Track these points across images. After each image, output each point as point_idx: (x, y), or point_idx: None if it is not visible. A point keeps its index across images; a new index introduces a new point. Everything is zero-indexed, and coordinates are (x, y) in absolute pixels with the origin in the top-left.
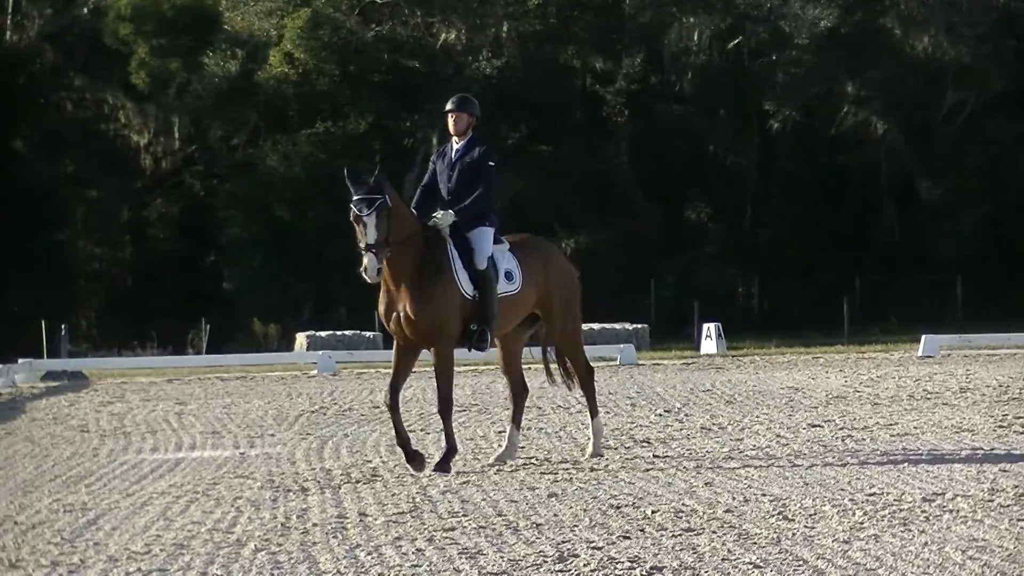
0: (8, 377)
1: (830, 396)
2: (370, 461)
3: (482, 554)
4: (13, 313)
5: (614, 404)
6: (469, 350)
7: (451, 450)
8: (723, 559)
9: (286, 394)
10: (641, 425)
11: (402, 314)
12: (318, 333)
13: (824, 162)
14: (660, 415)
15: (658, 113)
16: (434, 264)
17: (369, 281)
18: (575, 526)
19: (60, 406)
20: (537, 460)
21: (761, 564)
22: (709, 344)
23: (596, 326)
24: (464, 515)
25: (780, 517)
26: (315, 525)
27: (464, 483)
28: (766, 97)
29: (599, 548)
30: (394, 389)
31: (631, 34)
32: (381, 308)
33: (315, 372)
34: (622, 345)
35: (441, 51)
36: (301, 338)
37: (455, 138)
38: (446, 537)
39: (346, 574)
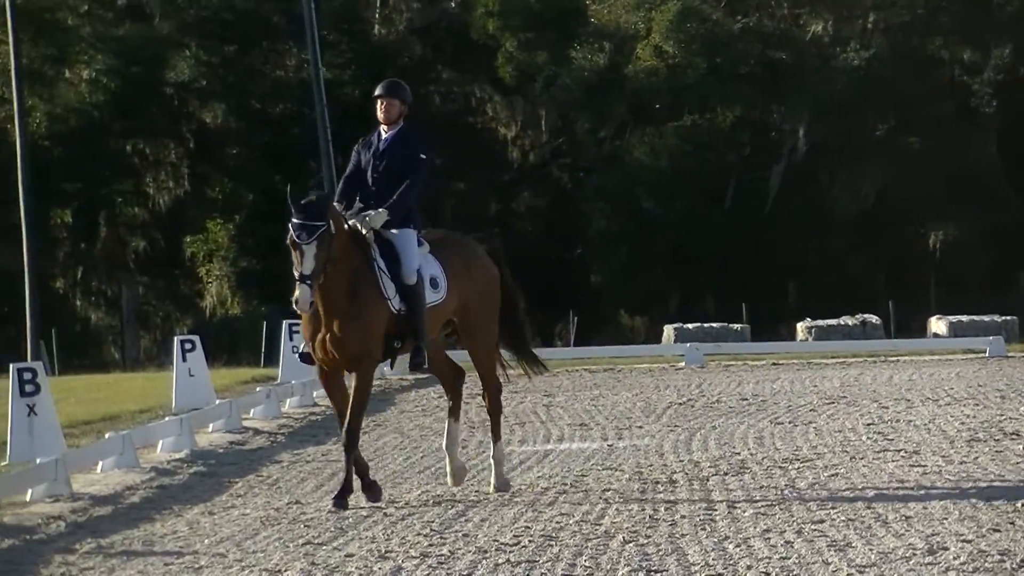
0: (378, 369)
1: None
2: (738, 453)
3: (851, 546)
4: None
5: (983, 396)
6: (391, 367)
7: (347, 488)
8: None
9: (653, 386)
10: (1011, 418)
11: (328, 335)
12: (685, 325)
13: None
14: None
15: None
16: (362, 279)
17: (300, 312)
18: (944, 519)
19: (429, 398)
20: (906, 452)
21: None
22: None
23: (965, 318)
24: (832, 507)
25: None
26: (683, 517)
27: (832, 475)
28: None
29: (969, 541)
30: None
31: (999, 24)
32: (306, 331)
33: (682, 364)
34: (991, 337)
35: (809, 42)
36: (668, 330)
37: (383, 127)
38: (815, 529)
39: (715, 566)
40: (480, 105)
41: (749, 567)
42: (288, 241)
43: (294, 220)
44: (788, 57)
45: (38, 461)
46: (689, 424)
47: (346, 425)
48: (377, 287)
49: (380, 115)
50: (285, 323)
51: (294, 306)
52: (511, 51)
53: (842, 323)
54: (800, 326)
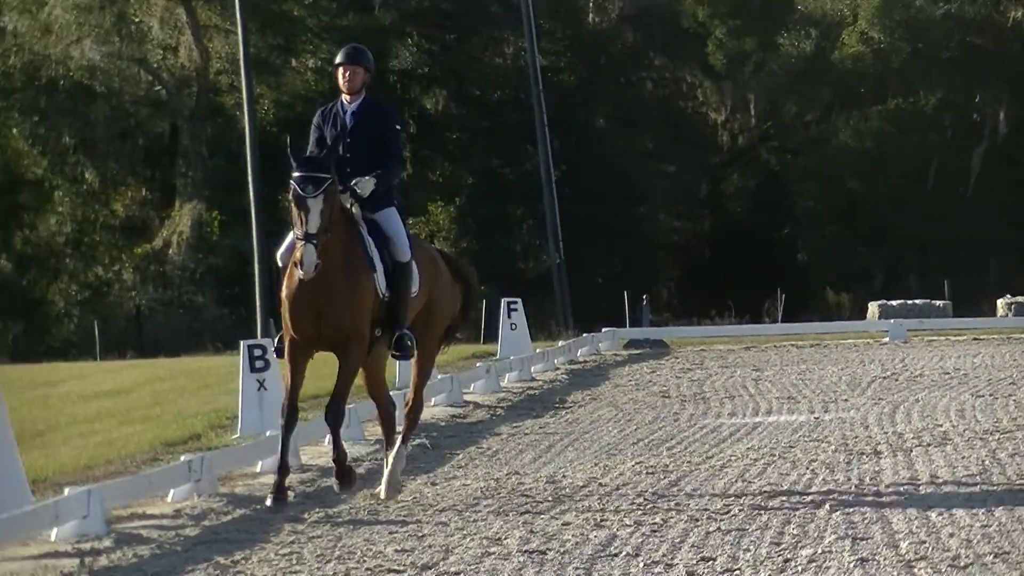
0: (593, 345)
1: None
2: (940, 425)
3: None
4: (596, 284)
5: None
6: (368, 352)
7: (343, 457)
8: None
9: (859, 361)
10: None
11: (320, 309)
12: (889, 302)
13: None
14: None
15: None
16: (353, 253)
17: (303, 278)
18: None
19: (642, 373)
20: None
21: None
22: None
23: None
24: None
25: None
26: (887, 487)
27: None
28: None
29: None
30: (294, 402)
31: None
32: (287, 300)
33: (887, 339)
34: None
35: (1008, 28)
36: (873, 307)
37: (345, 96)
38: (1016, 499)
39: (918, 534)
40: (691, 90)
41: (951, 535)
42: (291, 197)
43: (297, 174)
44: (988, 42)
45: (268, 434)
46: (893, 397)
47: (333, 406)
48: (368, 264)
49: (343, 84)
50: (504, 301)
51: (297, 269)
52: (720, 38)
53: None
54: (1000, 302)
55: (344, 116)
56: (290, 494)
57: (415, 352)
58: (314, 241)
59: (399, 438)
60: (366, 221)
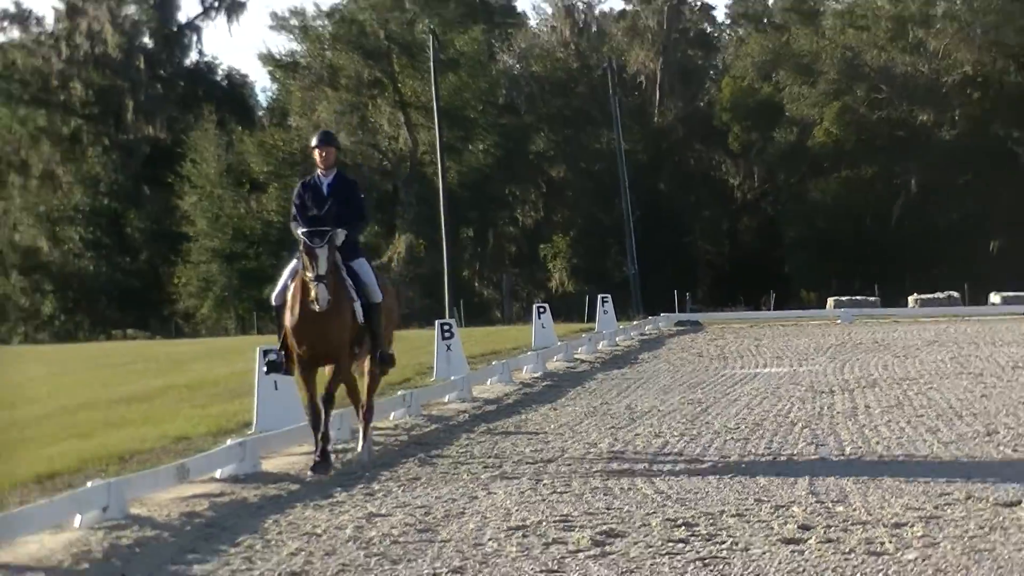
0: (655, 324)
1: None
2: (872, 374)
3: (939, 431)
4: (657, 285)
5: None
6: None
7: (325, 445)
8: None
9: (821, 335)
10: None
11: (317, 332)
12: (841, 297)
13: None
14: None
15: None
16: (339, 288)
17: (319, 310)
18: (998, 414)
19: (685, 341)
20: (974, 374)
21: None
22: None
23: (1011, 293)
24: (929, 407)
25: None
26: (838, 413)
27: (930, 388)
28: None
29: (1012, 428)
30: (315, 403)
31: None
32: (292, 331)
33: (839, 322)
34: None
35: (918, 126)
36: (831, 301)
37: (320, 171)
38: (918, 419)
39: (857, 442)
40: (718, 164)
41: (878, 443)
42: (303, 248)
43: (304, 230)
44: (905, 135)
45: (452, 378)
46: (842, 357)
47: (327, 395)
48: (349, 296)
49: (320, 162)
50: (599, 296)
51: (314, 306)
52: (737, 132)
53: (936, 296)
54: (911, 299)
55: (322, 186)
56: (333, 462)
57: (394, 364)
58: (324, 281)
59: (361, 436)
60: (344, 266)
